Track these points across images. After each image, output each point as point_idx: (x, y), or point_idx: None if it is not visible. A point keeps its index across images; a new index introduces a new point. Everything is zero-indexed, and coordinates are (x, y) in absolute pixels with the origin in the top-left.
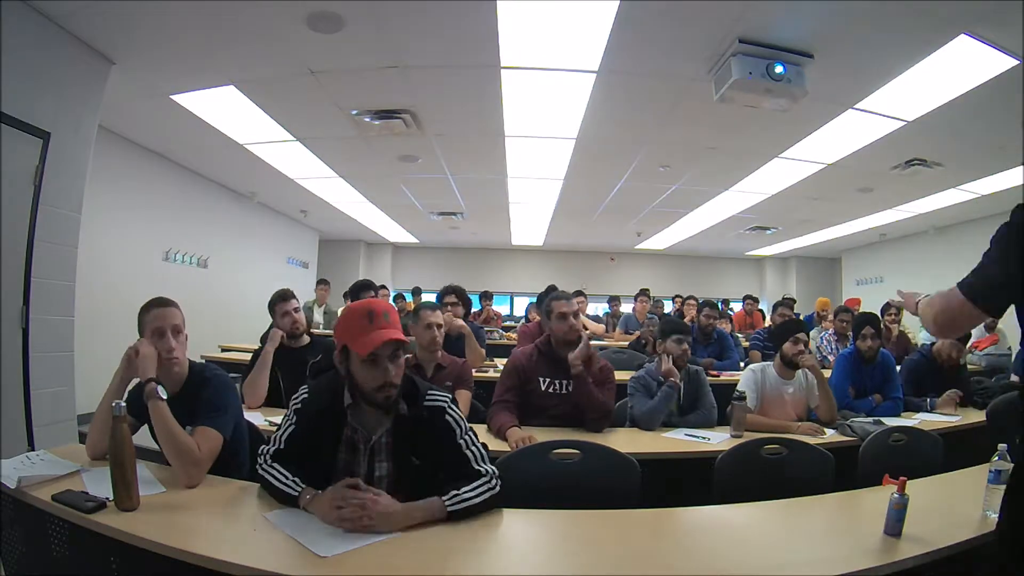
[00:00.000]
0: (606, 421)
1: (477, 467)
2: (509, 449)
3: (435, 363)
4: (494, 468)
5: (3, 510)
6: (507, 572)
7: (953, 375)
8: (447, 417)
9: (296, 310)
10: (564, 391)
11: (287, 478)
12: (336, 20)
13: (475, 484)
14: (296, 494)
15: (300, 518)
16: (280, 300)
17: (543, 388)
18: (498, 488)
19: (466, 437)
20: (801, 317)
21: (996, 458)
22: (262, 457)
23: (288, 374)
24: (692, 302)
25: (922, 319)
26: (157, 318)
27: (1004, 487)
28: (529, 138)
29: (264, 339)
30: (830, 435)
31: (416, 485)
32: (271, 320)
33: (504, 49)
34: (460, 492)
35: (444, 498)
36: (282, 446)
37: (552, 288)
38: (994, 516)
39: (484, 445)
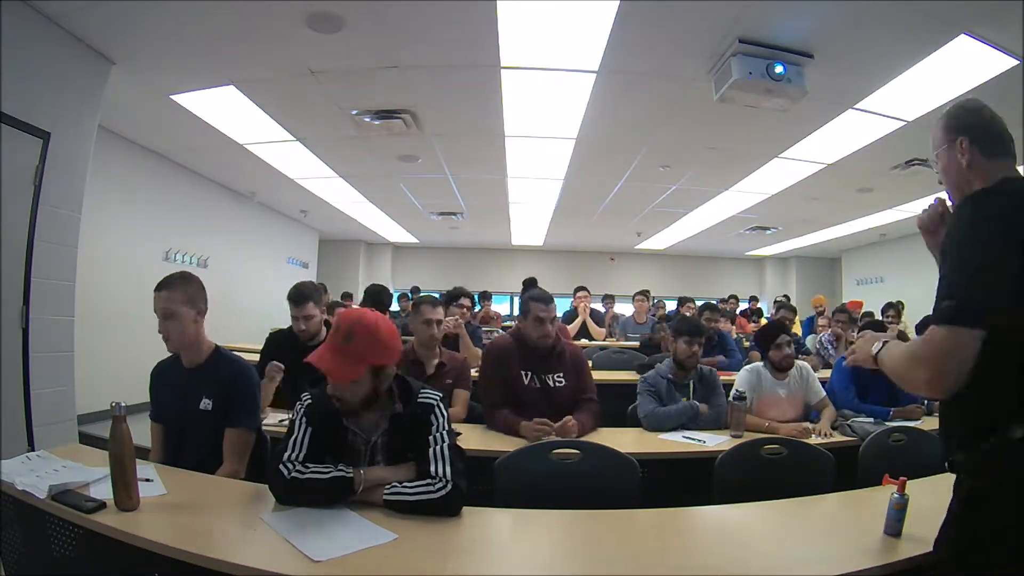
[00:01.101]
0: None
1: (431, 467)
2: (525, 443)
3: (436, 360)
4: (449, 475)
5: (3, 510)
6: (507, 572)
7: None
8: (432, 414)
9: (307, 318)
10: (542, 386)
11: (333, 468)
12: (336, 20)
13: (418, 483)
14: (351, 475)
15: (297, 519)
16: (291, 303)
17: (525, 382)
18: (440, 494)
19: (437, 434)
20: (801, 318)
21: None
22: (290, 464)
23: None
24: (691, 306)
25: (904, 382)
26: (153, 301)
27: None
28: (529, 138)
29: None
30: (817, 439)
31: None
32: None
33: (504, 49)
34: (400, 486)
35: (385, 487)
36: (306, 451)
37: (532, 282)
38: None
39: (456, 448)
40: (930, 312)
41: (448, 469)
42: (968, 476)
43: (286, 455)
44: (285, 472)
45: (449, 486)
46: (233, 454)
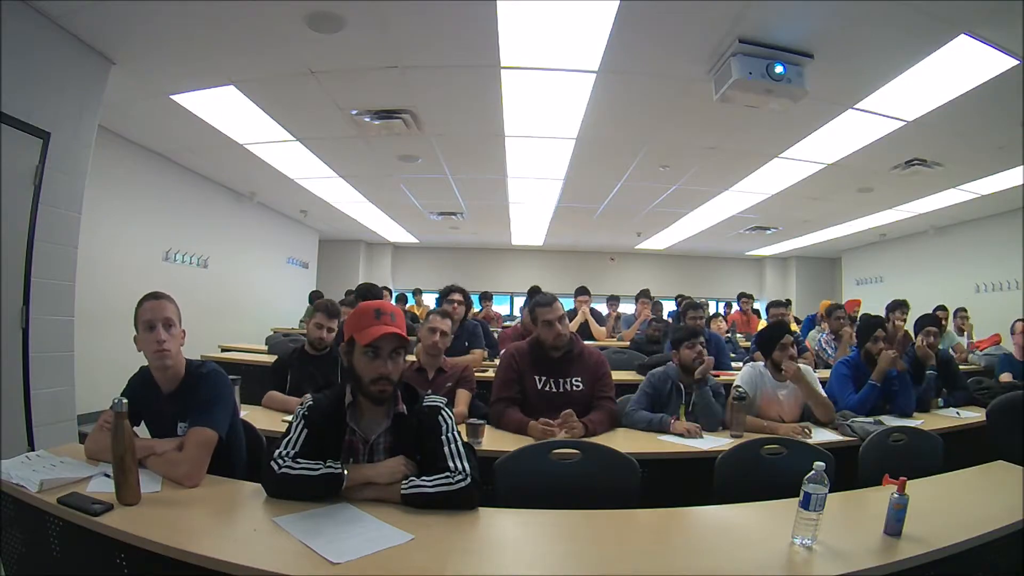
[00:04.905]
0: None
1: (448, 463)
2: (525, 443)
3: (437, 366)
4: (467, 468)
5: (3, 510)
6: (507, 572)
7: (948, 372)
8: (439, 416)
9: (330, 331)
10: (559, 389)
11: (323, 465)
12: (336, 20)
13: (436, 476)
14: (339, 471)
15: (311, 522)
16: (324, 312)
17: (539, 387)
18: (460, 486)
19: (449, 435)
20: (799, 317)
21: (807, 480)
22: (281, 460)
23: (297, 378)
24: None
25: None
26: (147, 311)
27: (818, 514)
28: (529, 138)
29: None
30: (818, 438)
31: None
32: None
33: (504, 49)
34: (418, 479)
35: (403, 482)
36: (298, 449)
37: (536, 290)
38: (804, 543)
39: (469, 446)
40: (930, 312)
41: (465, 464)
42: None
43: (278, 452)
44: (276, 467)
45: (468, 479)
46: (189, 445)
